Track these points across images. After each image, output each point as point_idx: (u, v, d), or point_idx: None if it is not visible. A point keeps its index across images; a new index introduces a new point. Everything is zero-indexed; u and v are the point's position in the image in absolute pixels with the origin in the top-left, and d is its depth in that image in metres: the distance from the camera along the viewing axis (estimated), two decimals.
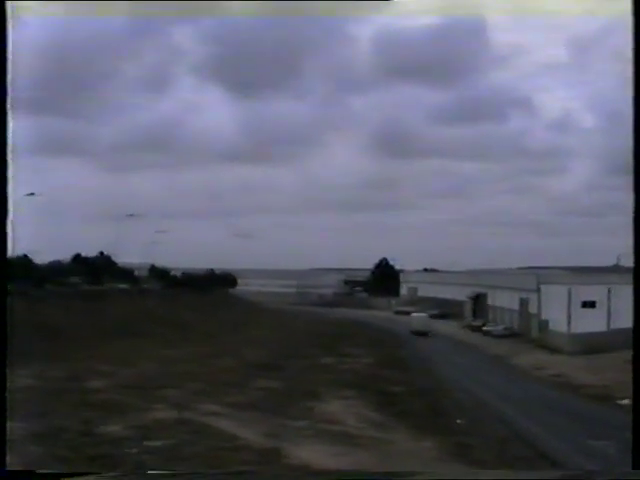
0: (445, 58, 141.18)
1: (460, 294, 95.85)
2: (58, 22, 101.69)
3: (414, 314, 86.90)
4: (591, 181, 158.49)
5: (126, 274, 77.93)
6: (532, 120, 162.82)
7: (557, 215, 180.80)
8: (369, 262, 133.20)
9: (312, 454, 24.72)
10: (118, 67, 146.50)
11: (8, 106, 6.20)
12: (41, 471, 5.69)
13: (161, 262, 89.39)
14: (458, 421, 33.98)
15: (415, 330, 79.21)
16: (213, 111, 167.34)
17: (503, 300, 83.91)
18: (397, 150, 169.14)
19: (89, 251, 75.18)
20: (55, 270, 65.99)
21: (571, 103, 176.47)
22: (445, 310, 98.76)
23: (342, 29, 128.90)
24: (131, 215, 79.55)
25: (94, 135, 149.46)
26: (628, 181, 6.33)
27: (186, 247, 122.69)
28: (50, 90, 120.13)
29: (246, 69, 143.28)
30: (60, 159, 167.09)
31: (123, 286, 73.21)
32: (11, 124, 6.25)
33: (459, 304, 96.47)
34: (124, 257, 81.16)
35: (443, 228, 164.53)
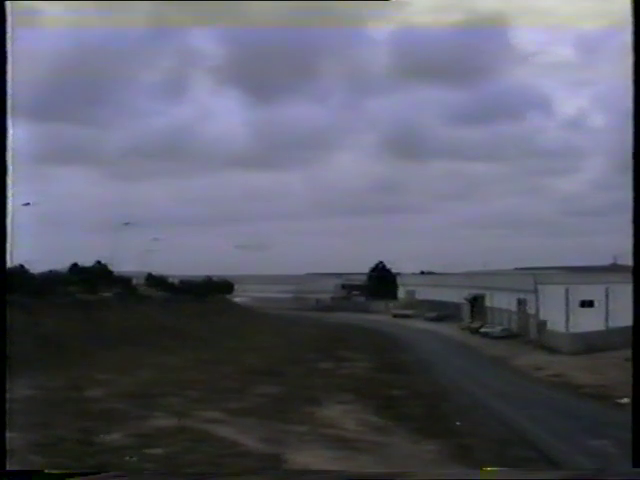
0: (459, 59, 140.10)
1: (458, 296, 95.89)
2: (71, 27, 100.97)
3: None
4: (597, 180, 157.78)
5: (123, 282, 77.82)
6: (544, 120, 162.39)
7: (561, 215, 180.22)
8: (367, 266, 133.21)
9: (313, 459, 24.74)
10: (130, 73, 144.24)
11: (8, 113, 6.19)
12: (45, 471, 5.71)
13: (159, 270, 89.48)
14: (457, 423, 34.01)
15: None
16: (224, 117, 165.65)
17: (501, 301, 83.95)
18: (408, 152, 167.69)
19: (86, 260, 75.01)
20: (52, 280, 65.81)
21: (582, 102, 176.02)
22: (443, 312, 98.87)
23: (357, 31, 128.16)
24: (127, 223, 79.58)
25: (102, 143, 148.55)
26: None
27: (185, 255, 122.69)
28: (60, 97, 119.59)
29: (258, 74, 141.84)
30: (67, 167, 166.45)
31: (120, 294, 73.08)
32: (19, 131, 6.27)
33: (457, 306, 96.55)
34: (122, 266, 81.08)
35: (444, 230, 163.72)
